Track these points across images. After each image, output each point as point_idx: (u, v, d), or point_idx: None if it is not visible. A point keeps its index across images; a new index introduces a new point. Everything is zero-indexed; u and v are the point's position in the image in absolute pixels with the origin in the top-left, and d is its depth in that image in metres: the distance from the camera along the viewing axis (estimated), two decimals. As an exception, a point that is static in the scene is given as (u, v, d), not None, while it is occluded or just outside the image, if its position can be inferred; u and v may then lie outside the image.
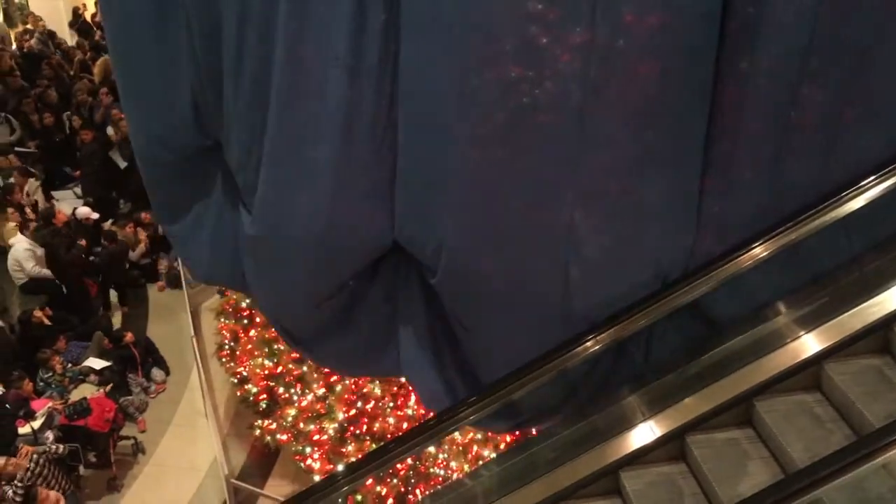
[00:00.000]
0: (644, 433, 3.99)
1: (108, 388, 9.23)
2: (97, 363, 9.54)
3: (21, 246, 10.46)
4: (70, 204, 12.56)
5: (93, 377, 9.42)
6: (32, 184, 12.40)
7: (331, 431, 7.49)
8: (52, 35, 18.44)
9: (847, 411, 3.62)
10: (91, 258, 11.24)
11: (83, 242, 11.09)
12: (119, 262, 11.28)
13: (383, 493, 7.14)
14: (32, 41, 17.39)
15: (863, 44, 3.15)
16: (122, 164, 12.19)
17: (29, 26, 18.97)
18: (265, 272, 4.60)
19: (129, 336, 9.88)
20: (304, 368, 7.86)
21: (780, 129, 3.33)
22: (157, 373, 9.97)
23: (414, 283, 4.30)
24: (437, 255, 3.91)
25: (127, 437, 8.90)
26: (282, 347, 8.03)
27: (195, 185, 4.80)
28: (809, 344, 3.77)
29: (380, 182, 3.89)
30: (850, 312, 3.71)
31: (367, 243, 4.13)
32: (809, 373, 3.78)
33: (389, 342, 4.64)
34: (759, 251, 3.45)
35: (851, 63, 3.20)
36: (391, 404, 7.23)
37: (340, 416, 7.46)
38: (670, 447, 3.97)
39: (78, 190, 13.38)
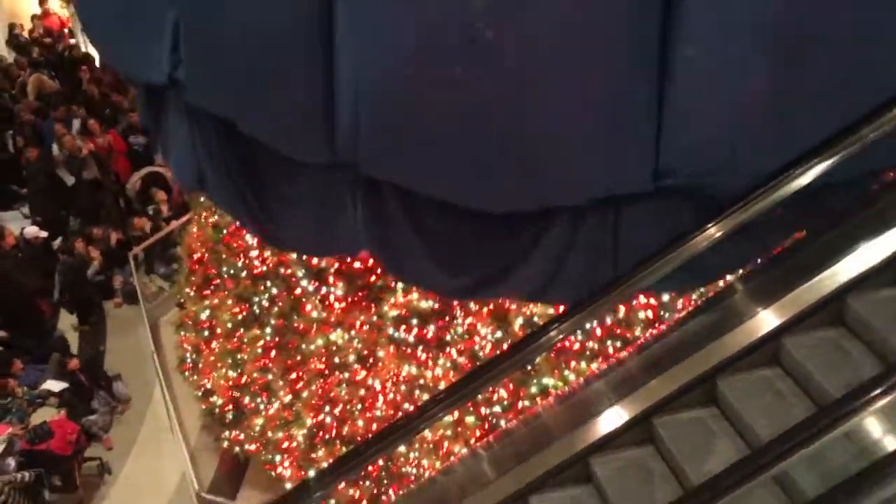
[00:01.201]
0: (612, 418, 4.02)
1: (68, 410, 9.06)
2: (56, 385, 9.35)
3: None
4: (18, 224, 12.26)
5: (52, 399, 9.25)
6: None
7: (300, 438, 7.43)
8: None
9: (806, 384, 3.70)
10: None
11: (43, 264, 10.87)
12: (80, 275, 11.00)
13: (357, 496, 7.11)
14: (-30, 60, 16.92)
15: None
16: (70, 181, 11.92)
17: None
18: None
19: (73, 363, 9.68)
20: (270, 377, 7.77)
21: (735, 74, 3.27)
22: (120, 387, 9.83)
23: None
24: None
25: (92, 459, 8.75)
26: (245, 357, 7.94)
27: None
28: (767, 320, 3.82)
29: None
30: (804, 286, 3.77)
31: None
32: (768, 348, 3.84)
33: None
34: (714, 231, 3.44)
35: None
36: (359, 406, 7.19)
37: (309, 421, 7.40)
38: (638, 431, 4.01)
39: (25, 209, 13.07)
